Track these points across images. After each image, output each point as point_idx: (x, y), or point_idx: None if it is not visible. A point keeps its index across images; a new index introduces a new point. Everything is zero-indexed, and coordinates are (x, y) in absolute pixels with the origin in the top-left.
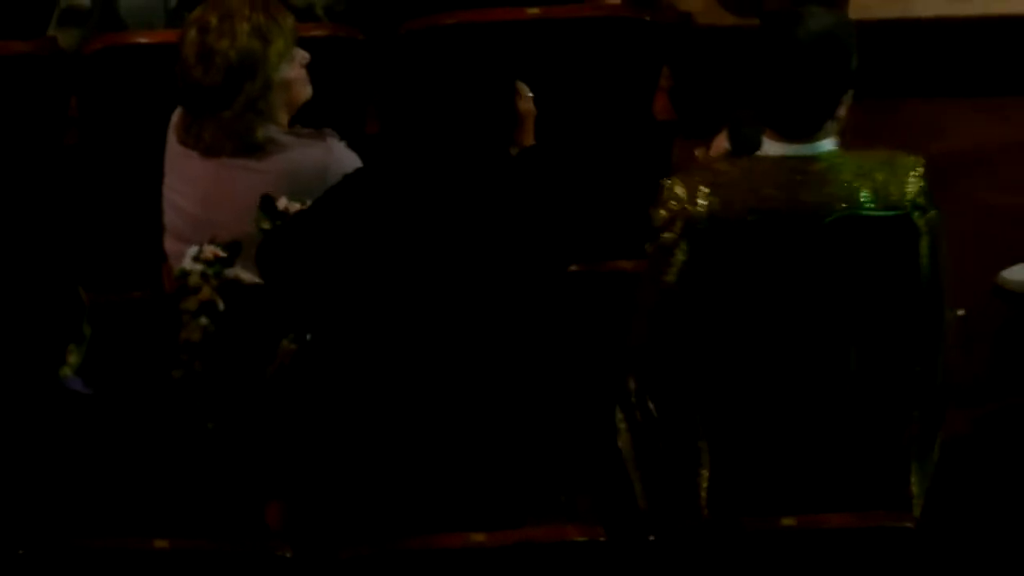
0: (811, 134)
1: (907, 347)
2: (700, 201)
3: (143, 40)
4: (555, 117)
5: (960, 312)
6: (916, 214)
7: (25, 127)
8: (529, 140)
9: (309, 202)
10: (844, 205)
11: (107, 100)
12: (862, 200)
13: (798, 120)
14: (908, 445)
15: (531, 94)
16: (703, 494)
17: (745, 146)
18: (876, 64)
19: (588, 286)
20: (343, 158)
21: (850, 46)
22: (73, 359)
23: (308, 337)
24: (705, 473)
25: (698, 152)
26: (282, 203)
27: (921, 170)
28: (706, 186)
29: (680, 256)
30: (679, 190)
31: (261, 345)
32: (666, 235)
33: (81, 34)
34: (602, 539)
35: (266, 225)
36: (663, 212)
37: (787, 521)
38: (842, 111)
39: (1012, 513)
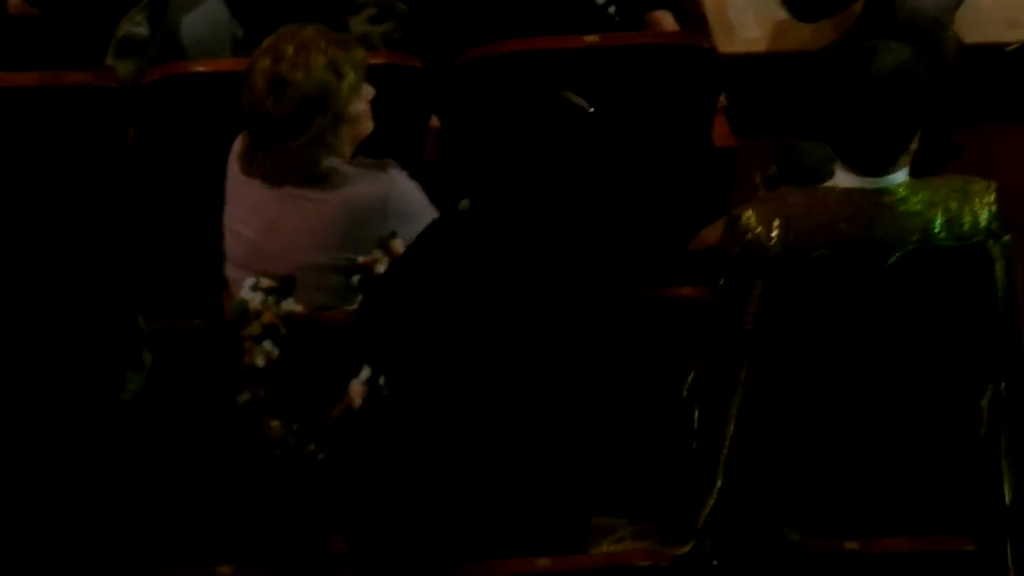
0: (885, 168)
1: (985, 371)
2: (774, 234)
3: (201, 69)
4: (614, 144)
5: None
6: (990, 242)
7: (83, 157)
8: None
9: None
10: (917, 237)
11: (165, 130)
12: (935, 231)
13: (873, 155)
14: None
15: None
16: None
17: (800, 176)
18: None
19: (651, 313)
20: (405, 189)
21: (924, 80)
22: (132, 386)
23: (381, 380)
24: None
25: (756, 177)
26: (396, 244)
27: (993, 195)
28: (779, 218)
29: (757, 289)
30: (753, 222)
31: (326, 381)
32: (741, 268)
33: (138, 64)
34: (665, 564)
35: (380, 259)
36: (737, 244)
37: (850, 545)
38: (914, 144)
39: None
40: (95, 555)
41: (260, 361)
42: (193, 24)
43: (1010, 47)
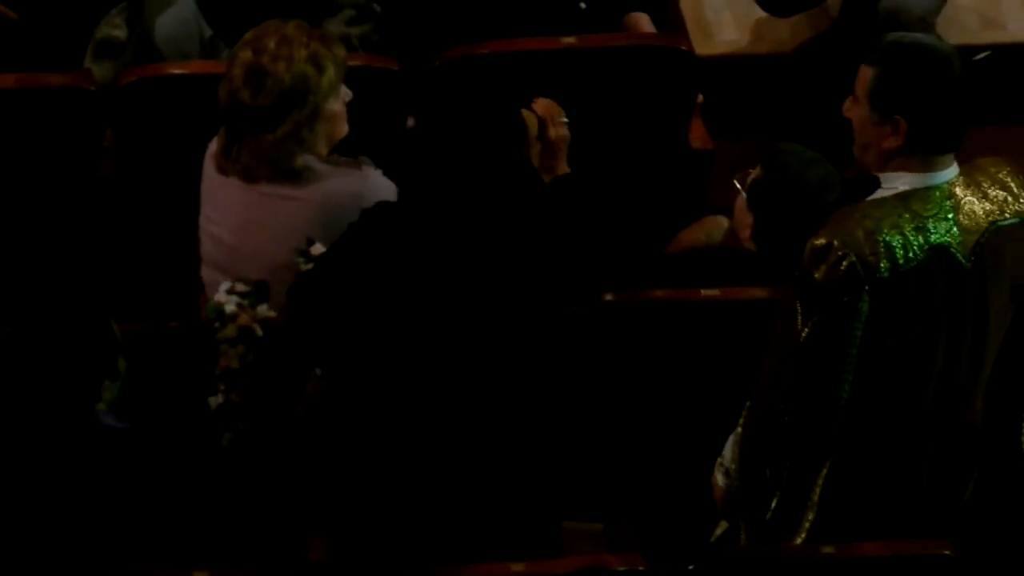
0: (959, 143)
1: None
2: (877, 253)
3: (177, 71)
4: (591, 146)
5: None
6: None
7: (60, 159)
8: (563, 168)
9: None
10: (991, 219)
11: (142, 131)
12: (999, 212)
13: (954, 132)
14: None
15: (566, 119)
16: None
17: (786, 179)
18: None
19: (629, 316)
20: (379, 187)
21: None
22: (108, 395)
23: (318, 372)
24: (810, 516)
25: (735, 179)
26: (316, 248)
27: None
28: (875, 236)
29: (863, 312)
30: (848, 244)
31: (289, 382)
32: (845, 295)
33: (116, 66)
34: (641, 568)
35: (304, 268)
36: (835, 272)
37: (827, 549)
38: None
39: None
40: (70, 561)
41: (234, 363)
42: (164, 24)
43: (979, 56)
